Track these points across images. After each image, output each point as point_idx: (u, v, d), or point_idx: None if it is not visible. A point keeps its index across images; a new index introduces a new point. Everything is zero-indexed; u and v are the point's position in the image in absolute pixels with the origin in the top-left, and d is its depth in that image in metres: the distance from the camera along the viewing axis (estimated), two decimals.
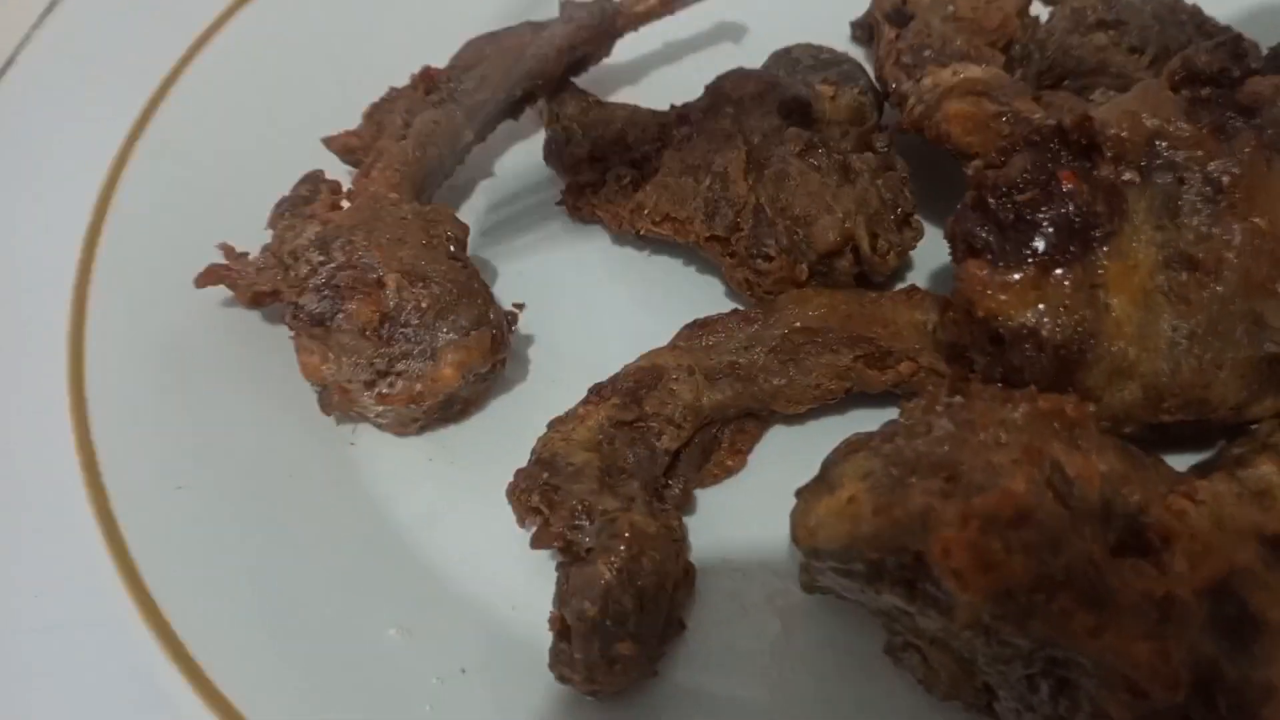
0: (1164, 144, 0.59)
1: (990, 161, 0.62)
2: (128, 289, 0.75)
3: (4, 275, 0.80)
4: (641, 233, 0.75)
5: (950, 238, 0.62)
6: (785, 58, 0.81)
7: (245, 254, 0.71)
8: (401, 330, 0.65)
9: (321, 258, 0.67)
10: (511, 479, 0.62)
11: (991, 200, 0.60)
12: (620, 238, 0.79)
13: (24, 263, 0.80)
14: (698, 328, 0.69)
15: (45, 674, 0.65)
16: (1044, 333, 0.57)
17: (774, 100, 0.74)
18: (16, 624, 0.65)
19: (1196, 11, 0.77)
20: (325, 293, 0.65)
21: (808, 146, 0.71)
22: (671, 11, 0.85)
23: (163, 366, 0.71)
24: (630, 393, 0.64)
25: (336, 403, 0.67)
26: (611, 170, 0.77)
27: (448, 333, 0.65)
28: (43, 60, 0.92)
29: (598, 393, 0.65)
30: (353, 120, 0.80)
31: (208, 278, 0.69)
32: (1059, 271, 0.58)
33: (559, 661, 0.57)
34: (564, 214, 0.81)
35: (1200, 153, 0.59)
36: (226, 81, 0.86)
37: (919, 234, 0.71)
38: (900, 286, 0.72)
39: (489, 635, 0.62)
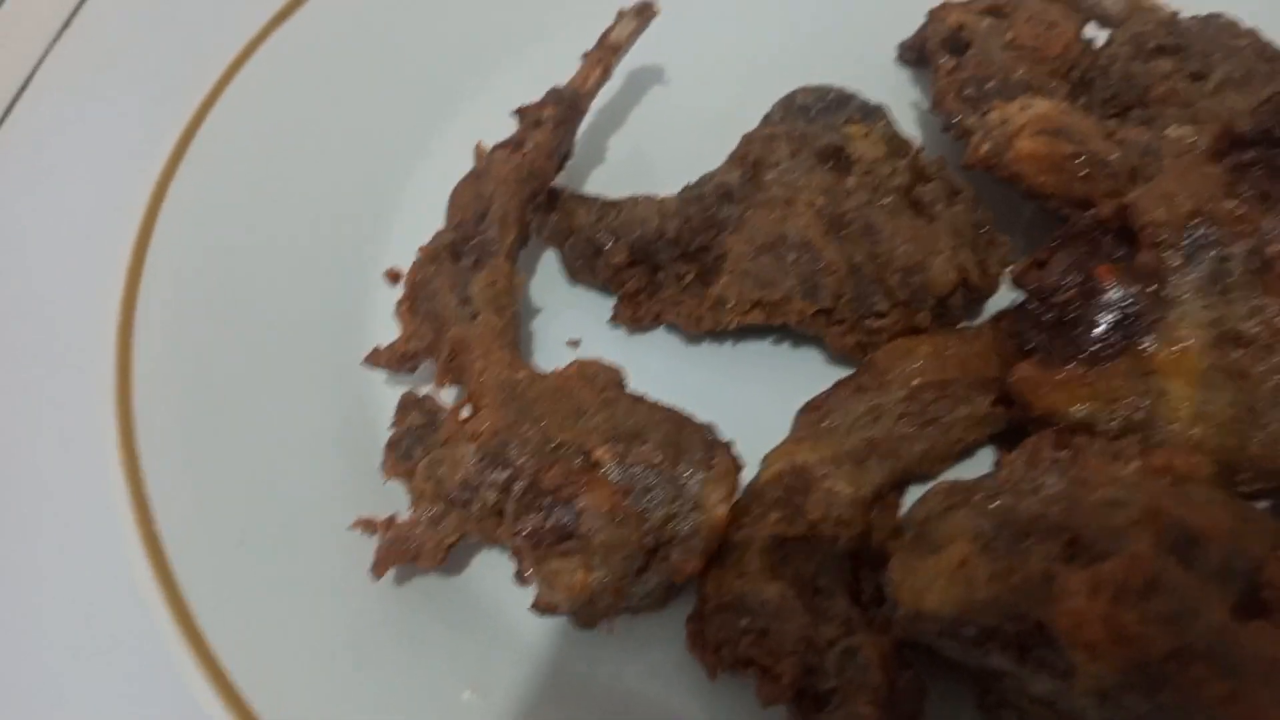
0: (1204, 223, 0.58)
1: (1036, 259, 0.61)
2: (173, 326, 0.72)
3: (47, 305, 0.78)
4: (732, 326, 0.69)
5: (1004, 337, 0.63)
6: (792, 107, 0.76)
7: (389, 519, 0.63)
8: (647, 497, 0.57)
9: (506, 473, 0.59)
10: (691, 631, 0.58)
11: (1034, 304, 0.60)
12: (691, 336, 0.74)
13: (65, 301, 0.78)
14: (812, 411, 0.66)
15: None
16: (1098, 425, 0.57)
17: (810, 153, 0.71)
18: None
19: (1254, 36, 0.76)
20: (543, 503, 0.57)
21: (875, 191, 0.69)
22: (610, 74, 0.79)
23: (214, 407, 0.69)
24: (786, 503, 0.60)
25: (603, 609, 0.59)
26: (665, 270, 0.72)
27: (693, 474, 0.58)
28: (68, 74, 0.89)
29: (745, 512, 0.61)
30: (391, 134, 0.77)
31: (381, 567, 0.62)
32: (1108, 364, 0.57)
33: None
34: (614, 329, 0.75)
35: (1242, 227, 0.58)
36: (266, 107, 0.83)
37: (1008, 246, 0.70)
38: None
39: (565, 693, 0.61)
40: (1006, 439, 0.64)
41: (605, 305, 0.75)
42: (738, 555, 0.59)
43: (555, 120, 0.74)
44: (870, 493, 0.62)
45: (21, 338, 0.82)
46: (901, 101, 0.84)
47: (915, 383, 0.64)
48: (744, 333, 0.74)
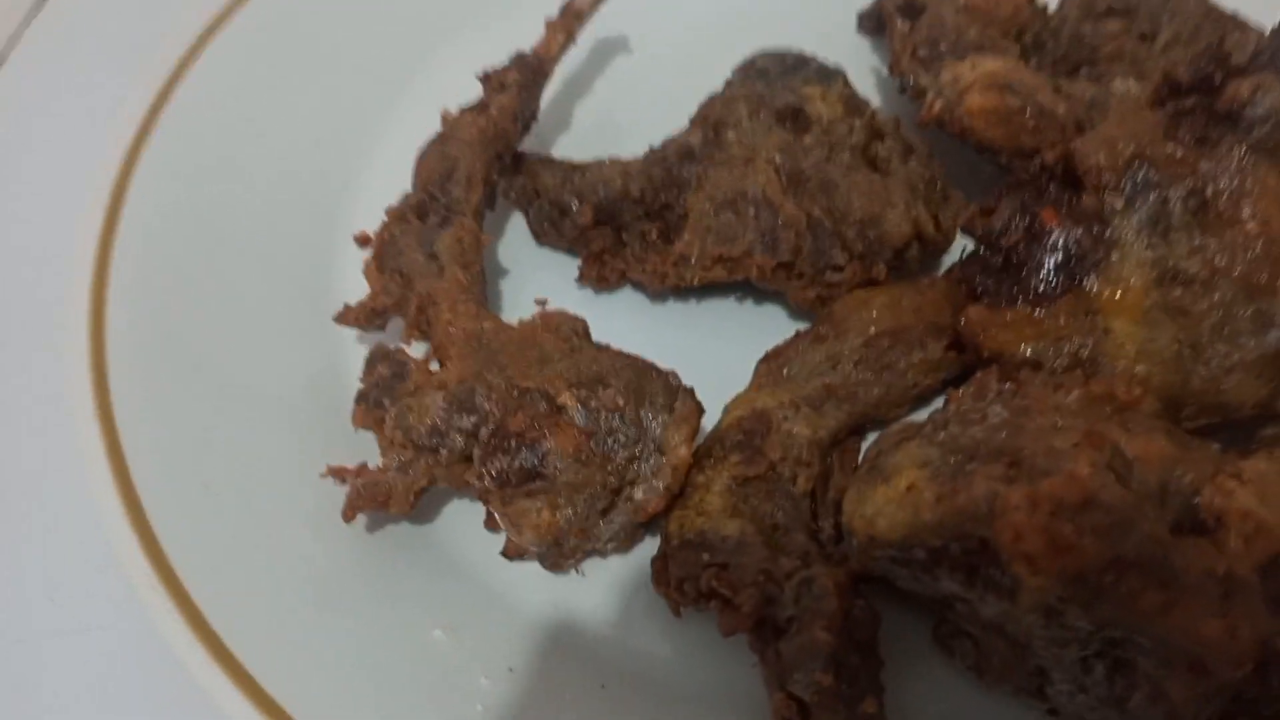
0: (1145, 166, 0.59)
1: (984, 206, 0.63)
2: (146, 285, 0.73)
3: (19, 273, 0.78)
4: (695, 282, 0.71)
5: (955, 284, 0.64)
6: (751, 71, 0.78)
7: (360, 466, 0.64)
8: (611, 439, 0.59)
9: (472, 419, 0.60)
10: (655, 570, 0.60)
11: (982, 249, 0.61)
12: (654, 293, 0.76)
13: (40, 260, 0.79)
14: (772, 360, 0.68)
15: (69, 680, 0.65)
16: (1045, 363, 0.59)
17: (769, 113, 0.73)
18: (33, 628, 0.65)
19: None
20: (508, 446, 0.59)
21: (832, 149, 0.70)
22: (574, 40, 0.81)
23: (188, 366, 0.70)
24: (745, 445, 0.62)
25: (570, 549, 0.62)
26: (629, 230, 0.74)
27: (655, 417, 0.60)
28: (40, 51, 0.90)
29: (707, 455, 0.62)
30: (361, 106, 0.78)
31: (350, 513, 0.62)
32: (1053, 304, 0.59)
33: None
34: (581, 289, 0.77)
35: (1181, 169, 0.59)
36: (235, 74, 0.84)
37: (962, 201, 0.72)
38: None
39: (534, 634, 0.62)
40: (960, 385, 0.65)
41: (571, 265, 0.77)
42: (699, 496, 0.61)
43: (519, 84, 0.76)
44: (827, 435, 0.63)
45: None
46: (861, 68, 0.86)
47: (871, 331, 0.66)
48: (708, 291, 0.76)
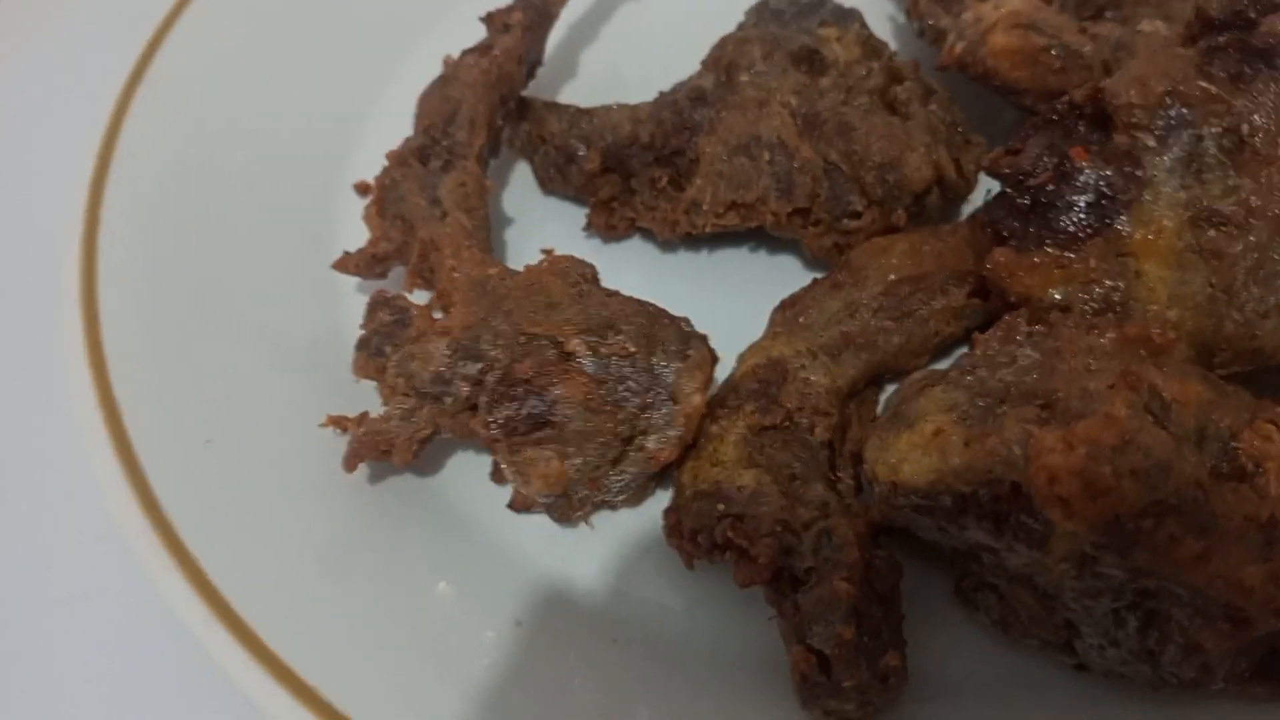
0: (1177, 104, 0.57)
1: (1010, 147, 0.61)
2: (141, 236, 0.71)
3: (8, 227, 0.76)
4: (707, 229, 0.69)
5: (980, 228, 0.61)
6: (765, 12, 0.77)
7: (361, 416, 0.62)
8: (621, 387, 0.57)
9: (478, 366, 0.58)
10: (667, 521, 0.58)
11: (1009, 189, 0.59)
12: (664, 243, 0.74)
13: (31, 211, 0.77)
14: (788, 308, 0.65)
15: (71, 647, 0.64)
16: (1075, 307, 0.57)
17: (784, 55, 0.71)
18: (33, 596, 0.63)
19: None
20: (516, 393, 0.57)
21: (849, 92, 0.68)
22: None
23: (185, 319, 0.68)
24: (761, 394, 0.60)
25: (579, 500, 0.60)
26: (638, 176, 0.71)
27: (668, 364, 0.58)
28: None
29: (721, 405, 0.60)
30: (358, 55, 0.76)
31: (351, 463, 0.60)
32: (1083, 246, 0.57)
33: (821, 696, 0.51)
34: (588, 238, 0.75)
35: (1216, 107, 0.57)
36: (233, 18, 0.82)
37: (983, 146, 0.70)
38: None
39: (540, 588, 0.60)
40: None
41: (578, 215, 0.75)
42: (713, 446, 0.59)
43: (524, 25, 0.74)
44: (846, 384, 0.61)
45: None
46: (874, 14, 0.83)
47: (891, 277, 0.64)
48: (719, 239, 0.74)
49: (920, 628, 0.56)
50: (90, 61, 0.86)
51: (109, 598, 0.65)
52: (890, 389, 0.65)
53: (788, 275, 0.72)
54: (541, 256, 0.72)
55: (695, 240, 0.74)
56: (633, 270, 0.73)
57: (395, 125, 0.74)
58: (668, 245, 0.74)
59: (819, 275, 0.70)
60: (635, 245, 0.75)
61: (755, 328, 0.67)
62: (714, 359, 0.60)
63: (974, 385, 0.51)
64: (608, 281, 0.64)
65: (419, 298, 0.65)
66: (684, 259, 0.74)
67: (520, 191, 0.78)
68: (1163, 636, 0.49)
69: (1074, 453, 0.44)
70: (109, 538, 0.64)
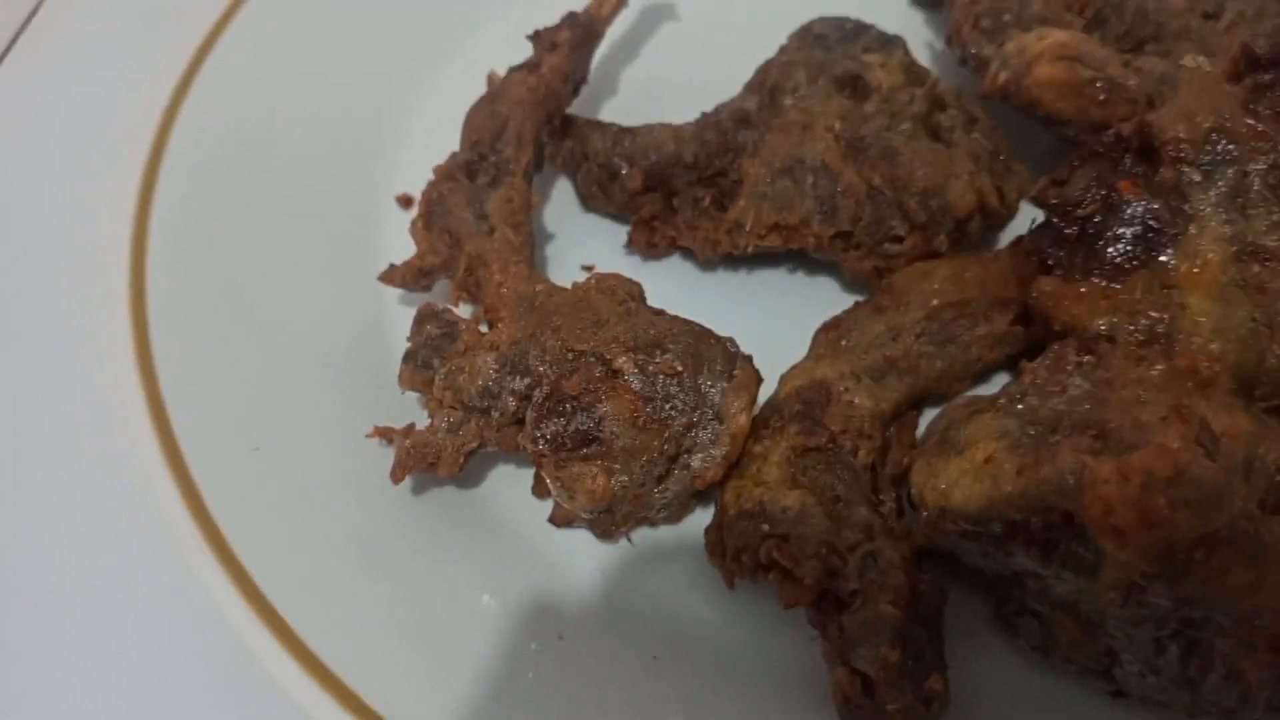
0: (1224, 139, 0.58)
1: (1056, 178, 0.61)
2: (187, 244, 0.72)
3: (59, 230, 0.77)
4: (749, 250, 0.69)
5: (1024, 256, 0.62)
6: (809, 36, 0.77)
7: (408, 427, 0.62)
8: (668, 405, 0.58)
9: (526, 380, 0.59)
10: (710, 540, 0.58)
11: (1056, 219, 0.60)
12: (703, 262, 0.75)
13: (80, 218, 0.77)
14: (830, 330, 0.66)
15: (103, 638, 0.64)
16: (1120, 338, 0.57)
17: (828, 80, 0.71)
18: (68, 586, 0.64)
19: None
20: (563, 409, 0.57)
21: (893, 118, 0.69)
22: (626, 3, 0.80)
23: (231, 327, 0.69)
24: (805, 415, 0.60)
25: (622, 517, 0.60)
26: (680, 195, 0.72)
27: (714, 384, 0.59)
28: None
29: (764, 425, 0.61)
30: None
31: (399, 474, 0.61)
32: (1128, 278, 0.57)
33: (864, 719, 0.52)
34: (628, 255, 0.75)
35: (1261, 144, 0.58)
36: (279, 26, 0.83)
37: (1025, 174, 0.70)
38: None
39: (584, 602, 0.61)
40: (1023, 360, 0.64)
41: (619, 232, 0.75)
42: (757, 466, 0.59)
43: (570, 44, 0.75)
44: (889, 408, 0.62)
45: (34, 254, 0.82)
46: (915, 41, 0.84)
47: (934, 303, 0.64)
48: (759, 260, 0.74)
49: (959, 649, 0.56)
50: (136, 67, 0.86)
51: (142, 591, 0.66)
52: (930, 413, 0.65)
53: (826, 297, 0.72)
54: (583, 273, 0.73)
55: (734, 260, 0.74)
56: (671, 288, 0.72)
57: (435, 134, 0.75)
58: (706, 264, 0.75)
59: (857, 297, 0.70)
60: (674, 263, 0.75)
61: (792, 348, 0.67)
62: (759, 379, 0.61)
63: (1025, 413, 0.51)
64: (648, 298, 0.65)
65: (463, 311, 0.66)
66: (722, 278, 0.75)
67: (560, 207, 0.78)
68: (1204, 664, 0.49)
69: (1129, 483, 0.45)
70: (142, 533, 0.64)
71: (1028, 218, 0.65)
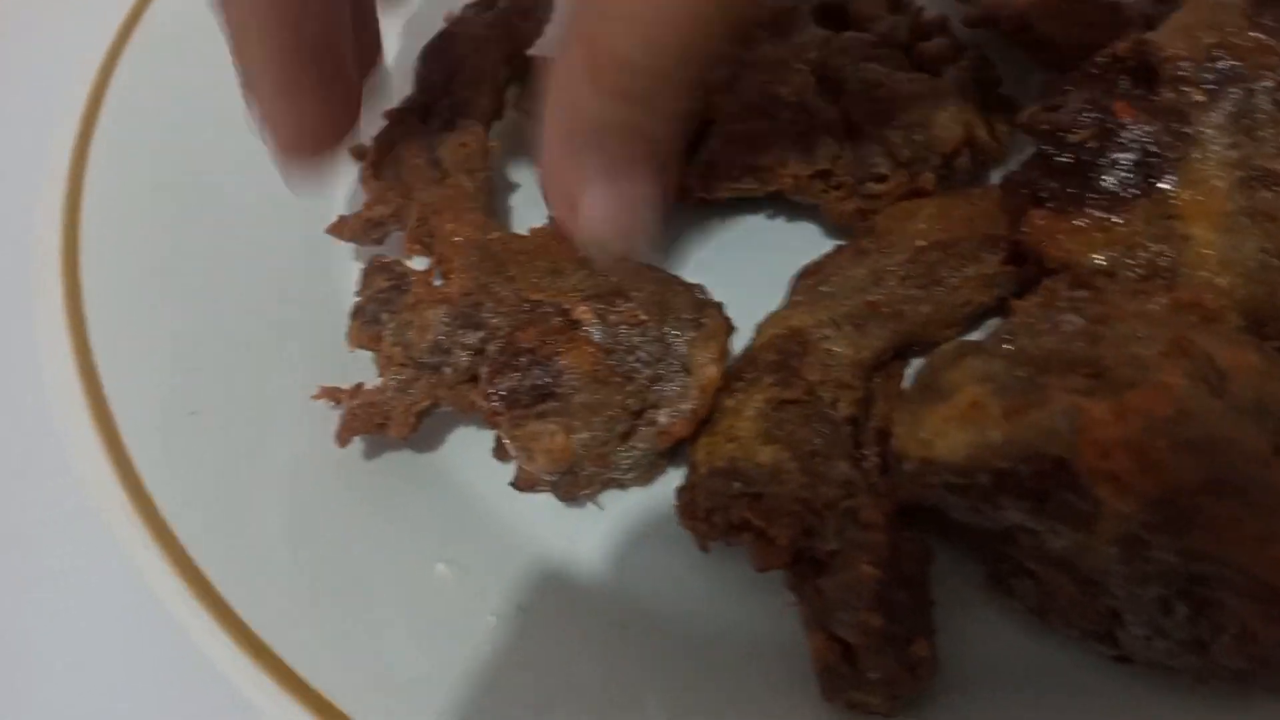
0: (1227, 56, 0.54)
1: (1047, 104, 0.58)
2: (123, 196, 0.68)
3: None
4: (722, 195, 0.65)
5: (1014, 190, 0.58)
6: None
7: (356, 387, 0.59)
8: (631, 357, 0.54)
9: (479, 334, 0.55)
10: (681, 501, 0.54)
11: (1047, 147, 0.56)
12: (675, 210, 0.68)
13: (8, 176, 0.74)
14: (809, 276, 0.62)
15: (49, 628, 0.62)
16: (1119, 274, 0.53)
17: (806, 12, 0.68)
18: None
19: None
20: (518, 363, 0.54)
21: (875, 48, 0.65)
22: None
23: (169, 284, 0.65)
24: (781, 366, 0.56)
25: (586, 478, 0.56)
26: None
27: (681, 333, 0.55)
28: None
29: (738, 377, 0.56)
30: None
31: (345, 436, 0.58)
32: (1127, 208, 0.54)
33: (845, 687, 0.49)
34: None
35: (1269, 59, 0.54)
36: None
37: (1014, 107, 0.66)
38: None
39: (547, 571, 0.57)
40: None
41: None
42: (729, 420, 0.55)
43: None
44: (871, 356, 0.58)
45: None
46: None
47: (919, 243, 0.60)
48: (734, 206, 0.70)
49: (951, 615, 0.52)
50: (75, 25, 0.82)
51: (88, 576, 0.63)
52: (917, 363, 0.61)
53: (808, 243, 0.68)
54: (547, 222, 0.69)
55: (708, 207, 0.70)
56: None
57: (395, 87, 0.71)
58: (678, 212, 0.70)
59: (840, 243, 0.66)
60: None
61: (773, 297, 0.63)
62: (730, 328, 0.57)
63: (1013, 354, 0.47)
64: None
65: (419, 264, 0.62)
66: (697, 226, 0.71)
67: (524, 155, 0.74)
68: (1215, 626, 0.45)
69: (1126, 425, 0.41)
70: (86, 513, 0.61)
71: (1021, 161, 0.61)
